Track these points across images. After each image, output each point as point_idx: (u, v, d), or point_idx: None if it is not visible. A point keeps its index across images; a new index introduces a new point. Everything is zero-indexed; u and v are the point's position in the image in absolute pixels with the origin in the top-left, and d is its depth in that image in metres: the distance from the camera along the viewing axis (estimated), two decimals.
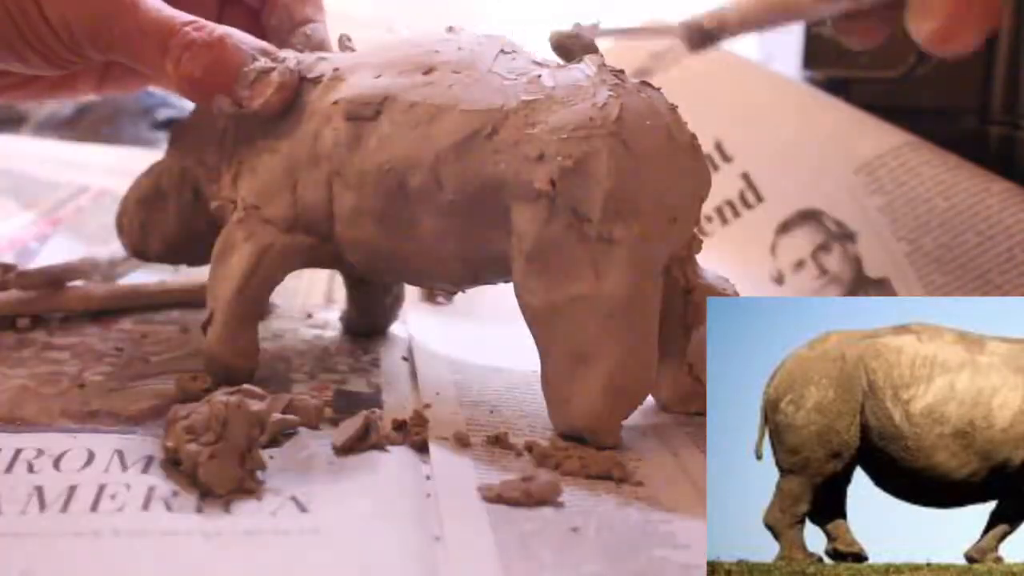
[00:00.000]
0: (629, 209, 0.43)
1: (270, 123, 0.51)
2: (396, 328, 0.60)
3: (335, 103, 0.48)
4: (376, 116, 0.47)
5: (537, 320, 0.45)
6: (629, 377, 0.44)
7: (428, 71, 0.47)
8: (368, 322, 0.59)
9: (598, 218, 0.43)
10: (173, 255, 0.59)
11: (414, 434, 0.44)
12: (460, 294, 0.54)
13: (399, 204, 0.47)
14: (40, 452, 0.41)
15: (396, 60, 0.49)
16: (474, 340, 0.58)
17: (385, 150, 0.47)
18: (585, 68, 0.46)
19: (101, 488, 0.39)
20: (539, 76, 0.46)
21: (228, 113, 0.50)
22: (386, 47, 0.50)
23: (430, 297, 0.64)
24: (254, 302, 0.50)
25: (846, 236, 0.68)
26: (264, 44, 0.51)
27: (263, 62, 0.50)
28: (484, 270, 0.48)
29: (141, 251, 0.59)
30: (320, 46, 0.55)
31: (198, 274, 0.59)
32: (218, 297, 0.50)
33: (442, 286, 0.52)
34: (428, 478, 0.41)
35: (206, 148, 0.54)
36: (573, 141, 0.44)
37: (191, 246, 0.57)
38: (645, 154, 0.44)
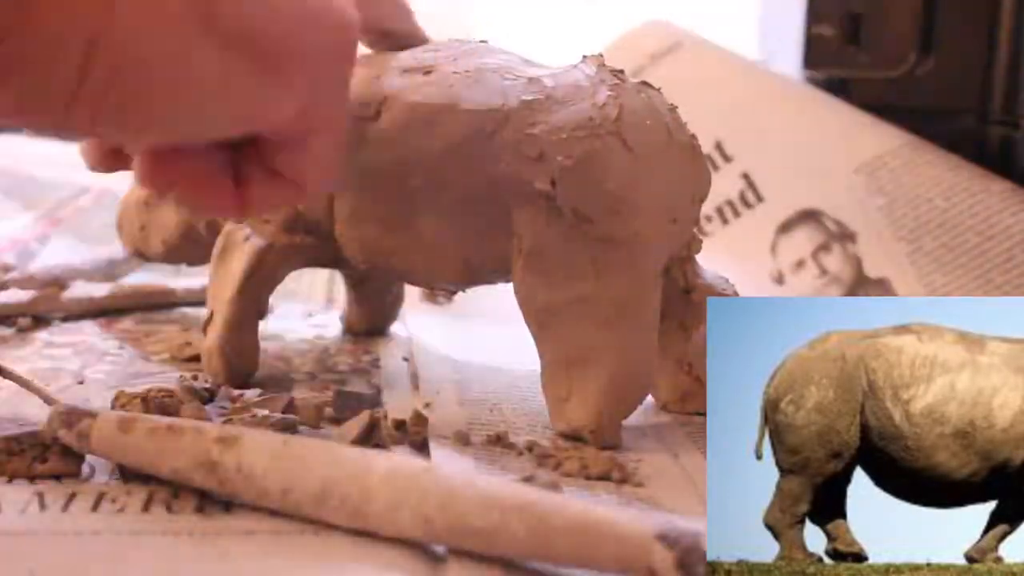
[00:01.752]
0: (629, 209, 0.43)
1: None
2: (396, 328, 0.60)
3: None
4: (376, 116, 0.47)
5: (537, 320, 0.45)
6: (628, 377, 0.44)
7: (428, 71, 0.47)
8: (368, 322, 0.59)
9: (598, 218, 0.43)
10: (173, 255, 0.59)
11: (414, 433, 0.44)
12: (460, 294, 0.54)
13: (400, 204, 0.47)
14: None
15: (397, 60, 0.49)
16: (474, 340, 0.58)
17: (385, 150, 0.47)
18: (585, 68, 0.46)
19: (101, 493, 0.39)
20: (539, 77, 0.46)
21: None
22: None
23: (430, 297, 0.64)
24: (254, 302, 0.50)
25: (846, 236, 0.68)
26: None
27: None
28: (484, 270, 0.48)
29: (141, 251, 0.59)
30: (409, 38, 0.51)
31: (198, 274, 0.59)
32: (218, 297, 0.50)
33: (442, 286, 0.52)
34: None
35: None
36: (573, 141, 0.44)
37: (191, 246, 0.57)
38: (645, 154, 0.44)
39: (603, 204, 0.43)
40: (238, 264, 0.50)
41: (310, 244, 0.50)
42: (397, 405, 0.48)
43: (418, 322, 0.60)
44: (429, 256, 0.48)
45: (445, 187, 0.46)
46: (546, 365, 0.46)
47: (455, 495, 0.35)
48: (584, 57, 0.47)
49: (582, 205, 0.44)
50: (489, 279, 0.49)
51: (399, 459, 0.37)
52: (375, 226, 0.48)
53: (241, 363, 0.50)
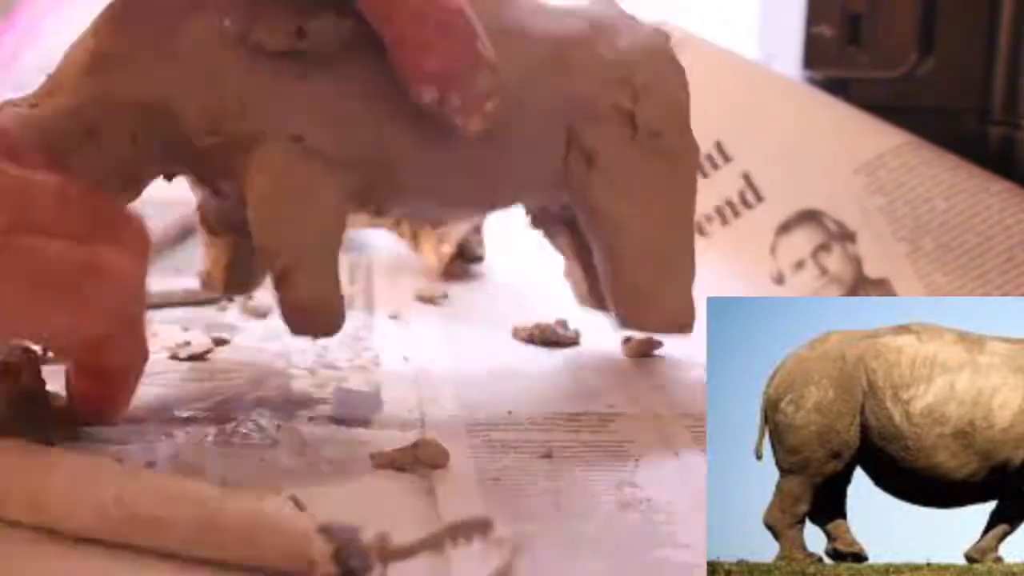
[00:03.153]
0: (687, 125, 0.50)
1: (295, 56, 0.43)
2: (397, 328, 0.60)
3: None
4: None
5: (616, 231, 0.49)
6: (693, 279, 0.51)
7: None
8: (239, 280, 0.51)
9: (669, 133, 0.49)
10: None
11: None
12: (457, 296, 0.54)
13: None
14: None
15: None
16: (475, 341, 0.58)
17: None
18: (605, 6, 0.51)
19: None
20: (572, 11, 0.49)
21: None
22: None
23: (430, 299, 0.64)
24: (340, 243, 0.45)
25: (846, 236, 0.68)
26: None
27: None
28: (532, 189, 0.50)
29: None
30: None
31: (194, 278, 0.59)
32: (296, 242, 0.43)
33: (456, 214, 0.55)
34: (427, 477, 0.41)
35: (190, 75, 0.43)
36: (647, 62, 0.49)
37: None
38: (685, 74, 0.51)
39: (676, 120, 0.49)
40: (318, 199, 0.44)
41: (364, 184, 0.45)
42: (396, 404, 0.48)
43: (418, 322, 0.60)
44: (479, 177, 0.48)
45: (518, 110, 0.47)
46: (625, 271, 0.49)
47: (130, 489, 0.35)
48: None
49: (658, 122, 0.49)
50: (506, 204, 0.51)
51: (84, 455, 0.38)
52: (418, 150, 0.45)
53: (340, 311, 0.45)
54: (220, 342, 0.55)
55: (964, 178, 0.66)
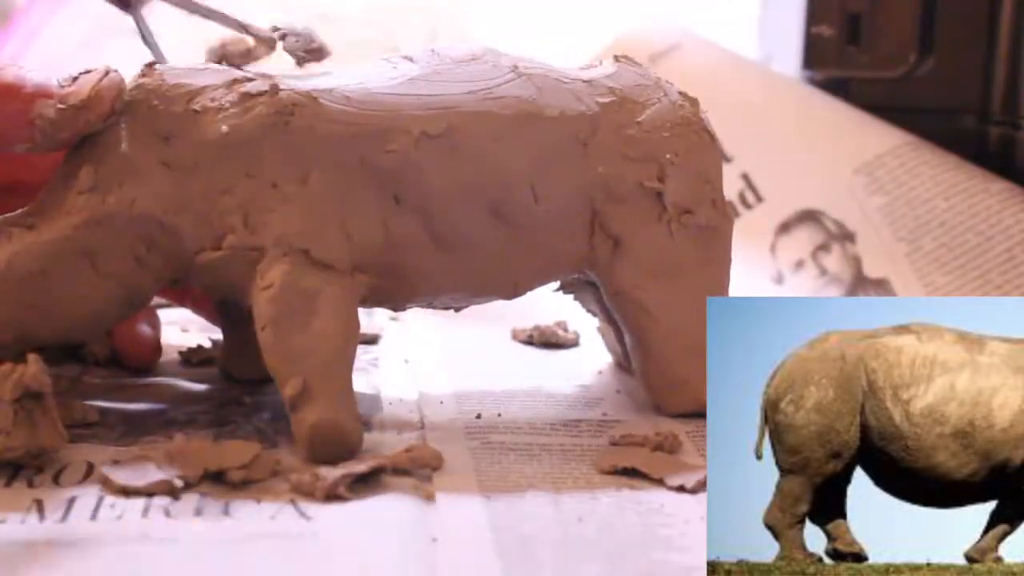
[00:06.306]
0: (721, 198, 0.47)
1: (281, 152, 0.42)
2: (397, 330, 0.59)
3: (397, 119, 0.43)
4: (447, 131, 0.43)
5: (643, 316, 0.46)
6: None
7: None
8: (251, 363, 0.47)
9: (699, 209, 0.46)
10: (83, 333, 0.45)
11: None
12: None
13: (469, 222, 0.44)
14: (39, 470, 0.41)
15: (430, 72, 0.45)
16: (475, 344, 0.58)
17: (460, 168, 0.44)
18: (633, 68, 0.48)
19: (100, 498, 0.39)
20: (592, 79, 0.46)
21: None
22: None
23: None
24: (353, 358, 0.43)
25: (846, 236, 0.68)
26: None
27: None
28: (536, 276, 0.47)
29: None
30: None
31: None
32: (305, 367, 0.41)
33: (478, 302, 0.48)
34: (428, 479, 0.41)
35: (163, 187, 0.42)
36: (675, 138, 0.46)
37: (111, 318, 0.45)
38: (716, 142, 0.48)
39: (707, 193, 0.47)
40: (333, 316, 0.42)
41: (373, 284, 0.44)
42: (396, 406, 0.48)
43: (418, 325, 0.60)
44: (498, 268, 0.46)
45: (540, 199, 0.45)
46: (652, 359, 0.47)
47: None
48: (616, 58, 0.48)
49: (688, 198, 0.46)
50: (534, 286, 0.48)
51: None
52: (441, 250, 0.45)
53: (358, 429, 0.43)
54: (218, 344, 0.55)
55: (964, 178, 0.66)
